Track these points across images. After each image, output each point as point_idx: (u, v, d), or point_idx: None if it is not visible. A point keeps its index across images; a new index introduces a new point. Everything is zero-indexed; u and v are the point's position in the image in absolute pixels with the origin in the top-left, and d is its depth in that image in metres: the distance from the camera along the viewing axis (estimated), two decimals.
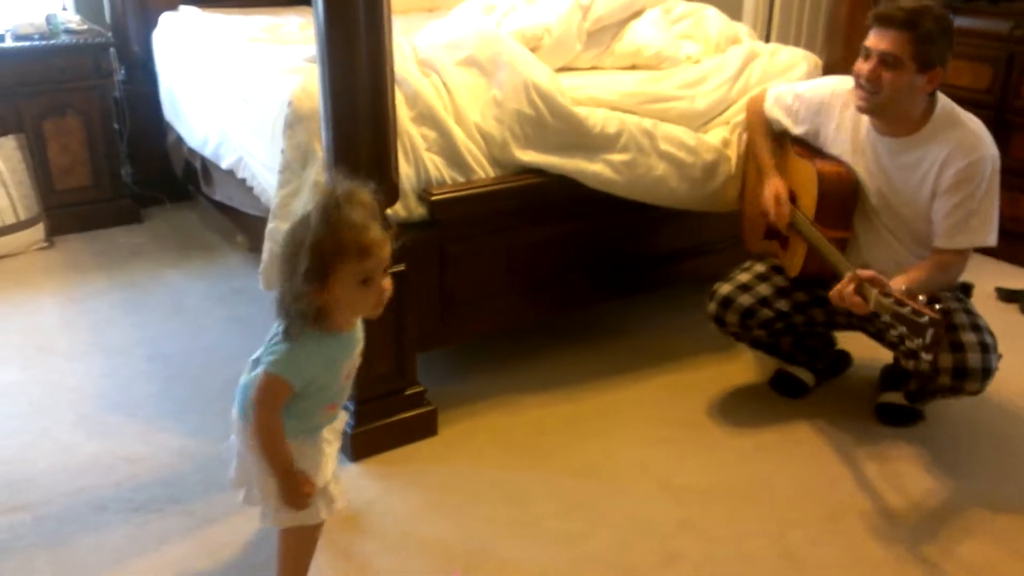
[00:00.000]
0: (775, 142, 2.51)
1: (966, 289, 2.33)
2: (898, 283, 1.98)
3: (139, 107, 3.80)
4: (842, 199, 2.30)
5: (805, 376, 2.55)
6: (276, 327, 1.55)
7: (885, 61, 2.09)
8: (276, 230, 2.29)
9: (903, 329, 1.80)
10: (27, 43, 3.36)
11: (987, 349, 2.13)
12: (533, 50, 2.62)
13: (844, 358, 2.68)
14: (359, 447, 2.21)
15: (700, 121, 2.64)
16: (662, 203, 2.56)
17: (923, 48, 2.06)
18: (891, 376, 2.51)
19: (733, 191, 2.66)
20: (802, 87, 2.46)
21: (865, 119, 2.24)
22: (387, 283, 1.53)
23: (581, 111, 2.41)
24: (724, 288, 2.41)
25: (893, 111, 2.15)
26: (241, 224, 3.35)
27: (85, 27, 3.59)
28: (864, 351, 2.64)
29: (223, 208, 3.42)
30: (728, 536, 1.99)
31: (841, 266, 2.11)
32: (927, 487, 2.17)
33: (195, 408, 2.43)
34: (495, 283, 2.46)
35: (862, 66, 2.14)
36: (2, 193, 3.37)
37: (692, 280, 2.82)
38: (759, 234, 2.56)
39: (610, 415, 2.45)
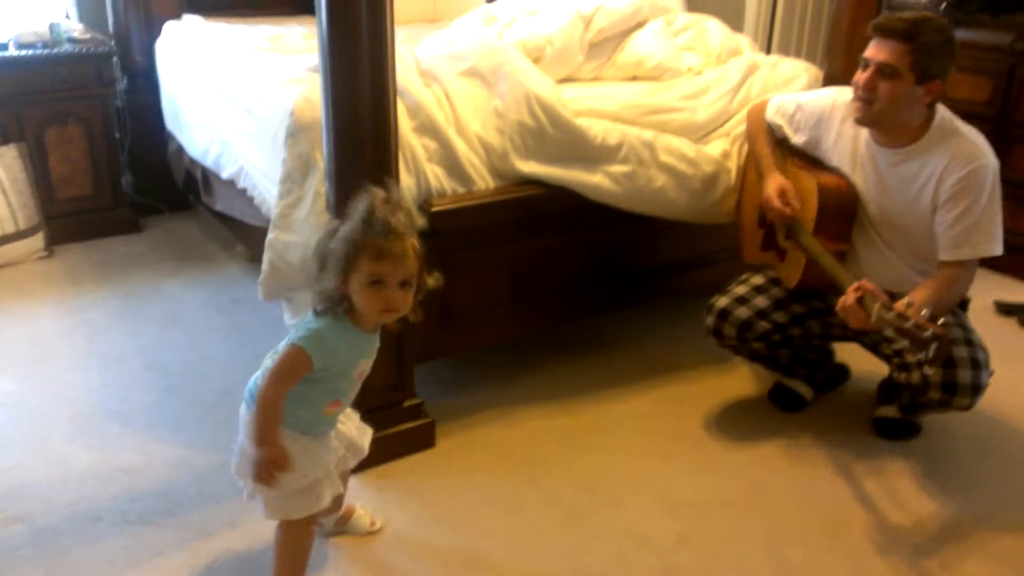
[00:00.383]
0: (776, 148, 2.51)
1: (962, 303, 2.33)
2: (904, 300, 1.97)
3: (141, 116, 3.81)
4: (842, 212, 2.30)
5: (803, 390, 2.54)
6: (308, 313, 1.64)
7: (882, 71, 2.09)
8: (276, 240, 2.29)
9: (905, 343, 1.79)
10: (30, 51, 3.37)
11: (978, 365, 2.12)
12: (535, 61, 2.63)
13: (842, 371, 2.68)
14: None
15: (701, 133, 2.64)
16: (662, 215, 2.56)
17: (922, 59, 2.06)
18: (888, 390, 2.50)
19: (733, 203, 2.65)
20: (804, 97, 2.46)
21: (864, 130, 2.24)
22: (399, 295, 1.59)
23: (582, 122, 2.41)
24: (721, 301, 2.41)
25: (890, 122, 2.15)
26: (241, 234, 3.35)
27: (88, 36, 3.60)
28: (863, 364, 2.63)
29: (223, 218, 3.41)
30: (726, 551, 1.98)
31: (842, 278, 2.10)
32: (925, 501, 2.16)
33: (193, 418, 2.42)
34: (495, 294, 2.46)
35: (860, 76, 2.14)
36: (2, 202, 3.37)
37: (691, 292, 2.82)
38: (756, 245, 2.56)
39: (608, 428, 2.44)
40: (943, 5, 3.52)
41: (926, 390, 2.15)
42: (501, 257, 2.43)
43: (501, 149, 2.36)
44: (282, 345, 1.63)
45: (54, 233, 3.55)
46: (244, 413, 1.69)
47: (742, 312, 2.37)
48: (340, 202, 2.04)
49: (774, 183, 2.40)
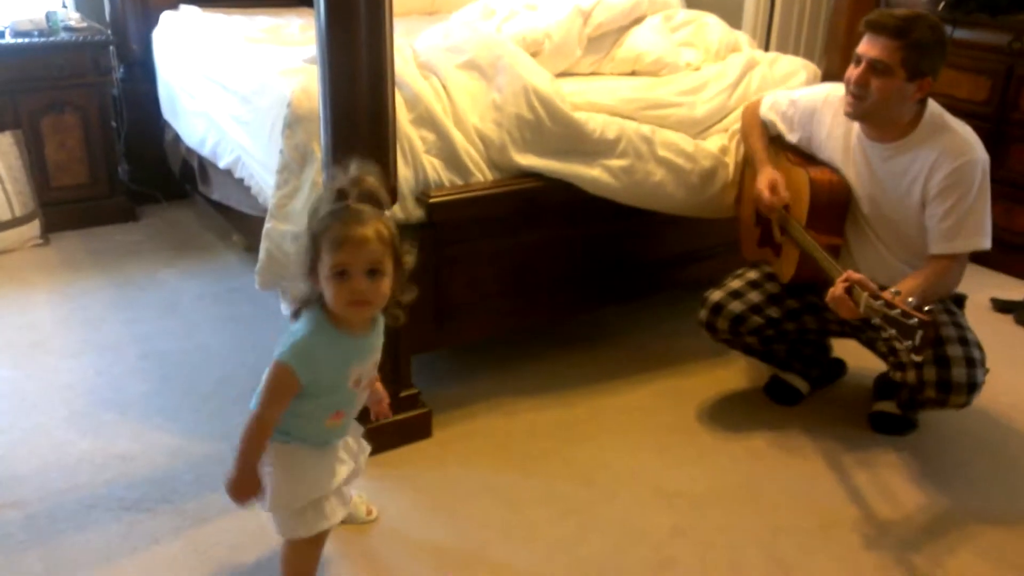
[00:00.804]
0: (770, 143, 2.52)
1: (959, 301, 2.34)
2: (889, 294, 1.98)
3: (137, 105, 3.80)
4: (834, 206, 2.31)
5: (799, 383, 2.55)
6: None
7: (874, 68, 2.10)
8: (273, 230, 2.29)
9: (892, 331, 1.80)
10: (26, 40, 3.36)
11: (973, 364, 2.13)
12: (533, 55, 2.63)
13: (839, 366, 2.69)
14: None
15: (699, 128, 2.64)
16: (659, 209, 2.57)
17: (914, 56, 2.07)
18: (885, 385, 2.51)
19: (730, 197, 2.66)
20: (797, 94, 2.48)
21: (856, 125, 2.25)
22: (368, 285, 1.47)
23: (580, 116, 2.41)
24: (715, 295, 2.41)
25: (881, 117, 2.16)
26: (238, 224, 3.34)
27: (85, 25, 3.59)
28: (859, 360, 2.64)
29: (220, 207, 3.41)
30: (721, 543, 1.99)
31: (833, 271, 2.11)
32: (919, 497, 2.17)
33: (188, 407, 2.42)
34: (492, 286, 2.46)
35: (852, 71, 2.15)
36: None
37: (687, 286, 2.83)
38: (754, 241, 2.57)
39: (604, 420, 2.45)
40: (941, 5, 3.53)
41: (922, 389, 2.16)
42: (498, 249, 2.44)
43: (499, 142, 2.37)
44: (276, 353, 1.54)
45: (50, 221, 3.54)
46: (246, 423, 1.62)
47: (735, 306, 2.38)
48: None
49: (765, 176, 2.41)
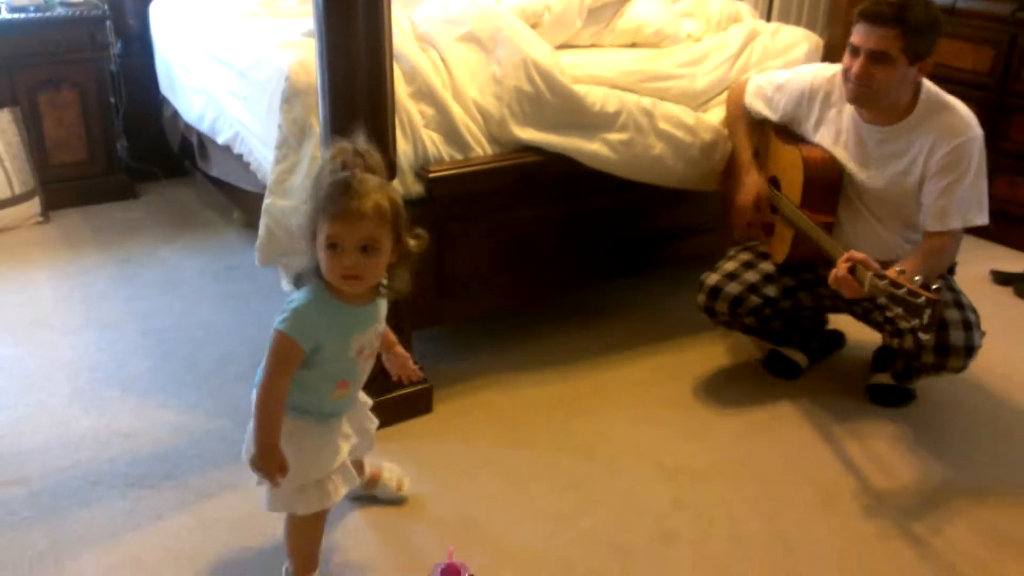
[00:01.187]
0: (756, 131, 2.51)
1: (949, 268, 2.34)
2: (894, 268, 1.98)
3: (135, 81, 3.78)
4: (828, 184, 2.30)
5: (798, 357, 2.56)
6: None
7: (875, 58, 2.07)
8: (273, 206, 2.28)
9: (899, 311, 1.80)
10: (22, 15, 3.33)
11: (970, 326, 2.15)
12: (533, 26, 2.60)
13: (837, 338, 2.69)
14: None
15: (700, 100, 2.62)
16: (660, 183, 2.56)
17: (913, 41, 2.05)
18: (883, 357, 2.52)
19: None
20: (782, 77, 2.45)
21: (849, 107, 2.24)
22: (360, 260, 1.46)
23: (580, 89, 2.39)
24: (712, 278, 2.41)
25: (883, 101, 2.15)
26: (238, 200, 3.33)
27: (81, 0, 3.56)
28: (857, 332, 2.65)
29: (219, 184, 3.40)
30: (721, 515, 2.00)
31: (832, 249, 2.10)
32: (917, 468, 2.18)
33: (190, 384, 2.43)
34: (492, 261, 2.46)
35: (850, 63, 2.12)
36: None
37: (688, 260, 2.82)
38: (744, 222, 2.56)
39: (604, 395, 2.45)
40: None
41: (919, 354, 2.17)
42: (498, 224, 2.43)
43: (499, 115, 2.35)
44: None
45: (50, 198, 3.53)
46: (255, 398, 1.60)
47: (733, 288, 2.37)
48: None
49: (750, 188, 2.43)
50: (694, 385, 2.51)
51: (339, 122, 1.97)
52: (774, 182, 2.44)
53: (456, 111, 2.31)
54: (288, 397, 1.55)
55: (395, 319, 2.18)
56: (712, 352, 2.66)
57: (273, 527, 1.90)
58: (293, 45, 2.46)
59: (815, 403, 2.43)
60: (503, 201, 2.39)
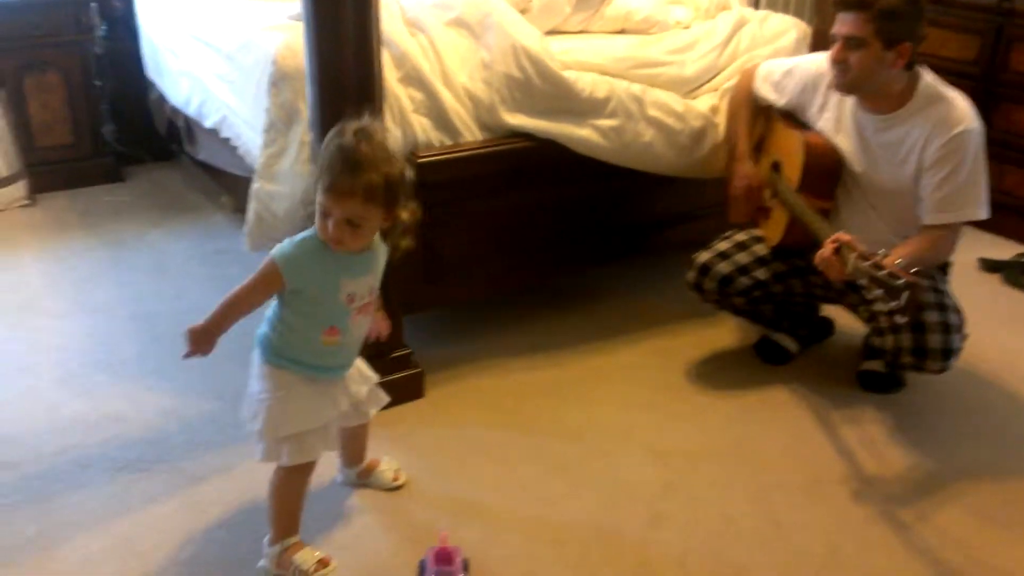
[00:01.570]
0: (762, 117, 2.51)
1: (943, 266, 2.35)
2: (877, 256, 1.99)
3: (121, 64, 3.74)
4: (828, 170, 2.31)
5: (788, 343, 2.58)
6: None
7: (848, 44, 2.10)
8: (261, 190, 2.27)
9: (879, 292, 1.81)
10: None
11: (949, 330, 2.15)
12: (522, 12, 2.60)
13: (827, 325, 2.71)
14: None
15: (689, 87, 2.63)
16: (650, 169, 2.56)
17: (885, 25, 2.05)
18: (874, 345, 2.53)
19: (720, 158, 2.65)
20: (791, 63, 2.46)
21: (850, 97, 2.24)
22: (345, 231, 1.55)
23: (570, 75, 2.39)
24: (703, 256, 2.42)
25: (870, 88, 2.16)
26: (225, 184, 3.32)
27: None
28: (847, 319, 2.66)
29: (207, 168, 3.39)
30: (712, 498, 2.02)
31: (822, 232, 2.12)
32: (906, 453, 2.20)
33: (180, 367, 2.40)
34: (481, 247, 2.46)
35: (830, 50, 2.14)
36: None
37: (678, 246, 2.83)
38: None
39: (595, 379, 2.47)
40: None
41: (899, 354, 2.18)
42: (488, 210, 2.43)
43: (488, 101, 2.35)
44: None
45: (36, 181, 3.50)
46: (255, 358, 1.69)
47: (723, 267, 2.39)
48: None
49: (743, 173, 2.44)
50: (685, 370, 2.52)
51: (327, 106, 1.96)
52: (776, 166, 2.45)
53: (445, 96, 2.30)
54: (284, 346, 1.64)
55: (384, 302, 2.20)
56: (702, 338, 2.68)
57: (263, 511, 1.90)
58: (280, 28, 2.45)
59: (806, 388, 2.45)
60: (493, 187, 2.39)
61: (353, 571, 1.77)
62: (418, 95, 2.28)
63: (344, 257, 1.61)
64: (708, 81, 2.67)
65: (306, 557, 1.72)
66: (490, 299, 2.74)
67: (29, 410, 2.25)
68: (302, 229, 1.64)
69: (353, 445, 1.96)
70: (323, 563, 1.73)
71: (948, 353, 2.15)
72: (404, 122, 2.23)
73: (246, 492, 1.96)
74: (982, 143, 2.15)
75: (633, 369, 2.52)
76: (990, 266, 3.19)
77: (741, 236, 2.47)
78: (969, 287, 2.29)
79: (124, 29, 3.69)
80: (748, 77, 2.55)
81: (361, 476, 2.01)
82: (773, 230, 2.40)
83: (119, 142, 3.83)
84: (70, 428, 2.18)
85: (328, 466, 1.94)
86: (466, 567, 1.72)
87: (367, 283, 1.67)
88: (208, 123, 2.95)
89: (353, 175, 1.52)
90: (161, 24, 3.37)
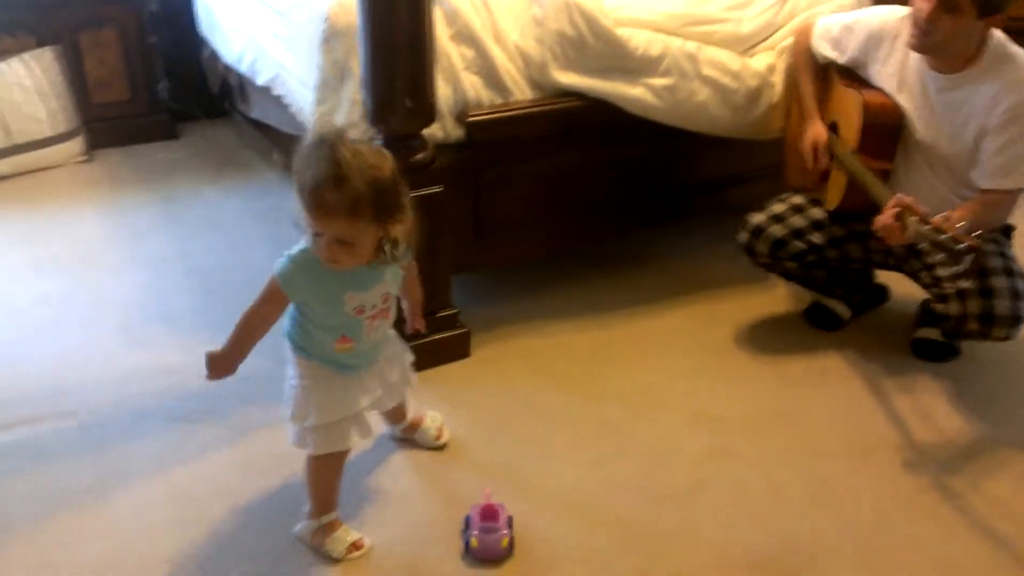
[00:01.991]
0: (820, 75, 2.44)
1: (1007, 231, 2.28)
2: (942, 215, 1.94)
3: (175, 21, 3.76)
4: (886, 130, 2.24)
5: (841, 309, 2.53)
6: None
7: (944, 5, 1.99)
8: None
9: (940, 257, 1.77)
10: None
11: (1018, 296, 2.09)
12: None
13: (881, 292, 2.66)
14: None
15: (745, 45, 2.56)
16: (703, 130, 2.51)
17: None
18: (929, 312, 2.47)
19: (776, 119, 2.59)
20: (850, 18, 2.37)
21: (915, 53, 2.16)
22: (338, 251, 1.45)
23: (623, 32, 2.35)
24: (756, 218, 2.38)
25: (945, 52, 2.08)
26: (277, 142, 3.34)
27: None
28: (902, 286, 2.61)
29: (259, 125, 3.41)
30: (757, 465, 2.01)
31: (881, 196, 2.06)
32: (959, 422, 2.16)
33: (233, 322, 2.44)
34: (530, 207, 2.45)
35: (921, 6, 2.05)
36: (40, 105, 3.38)
37: (729, 209, 2.78)
38: (800, 166, 2.51)
39: (641, 342, 2.45)
40: None
41: (964, 321, 2.13)
42: (537, 170, 2.41)
43: (540, 59, 2.32)
44: None
45: (92, 138, 3.57)
46: (286, 344, 1.69)
47: (776, 230, 2.34)
48: (376, 110, 2.03)
49: (811, 133, 2.37)
50: (732, 335, 2.49)
51: (379, 64, 1.96)
52: (833, 127, 2.38)
53: (497, 54, 2.28)
54: (305, 345, 1.64)
55: (431, 264, 2.21)
56: (751, 302, 2.64)
57: None
58: None
59: (857, 355, 2.41)
60: (543, 147, 2.37)
61: (399, 527, 1.81)
62: (469, 52, 2.26)
63: (340, 273, 1.53)
64: (765, 39, 2.59)
65: (340, 540, 1.72)
66: (537, 260, 2.73)
67: (89, 361, 2.31)
68: None
69: (393, 411, 1.97)
70: (356, 546, 1.72)
71: (1016, 320, 2.10)
72: (455, 80, 2.22)
73: (293, 447, 2.00)
74: None
75: (680, 333, 2.50)
76: None
77: (797, 199, 2.41)
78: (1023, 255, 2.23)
79: None
80: (805, 35, 2.47)
81: (406, 432, 2.03)
82: (832, 193, 2.34)
83: (173, 99, 3.87)
84: (128, 379, 2.24)
85: (376, 420, 1.96)
86: (510, 523, 1.74)
87: (378, 292, 1.60)
88: (260, 80, 2.96)
89: (336, 188, 1.39)
90: None
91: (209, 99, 3.88)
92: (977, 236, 1.74)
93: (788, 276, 2.48)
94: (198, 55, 3.80)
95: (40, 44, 3.41)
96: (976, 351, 2.42)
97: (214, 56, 3.58)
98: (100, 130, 3.59)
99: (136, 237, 2.96)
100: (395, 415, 1.99)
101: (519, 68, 2.32)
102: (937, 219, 1.82)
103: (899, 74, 2.22)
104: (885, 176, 2.24)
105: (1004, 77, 2.05)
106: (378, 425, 2.02)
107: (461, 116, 2.21)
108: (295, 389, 1.66)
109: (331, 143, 1.42)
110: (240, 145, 3.74)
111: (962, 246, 1.73)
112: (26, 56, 3.36)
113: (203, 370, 1.61)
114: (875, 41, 2.27)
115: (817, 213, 2.37)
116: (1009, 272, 2.13)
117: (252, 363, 2.27)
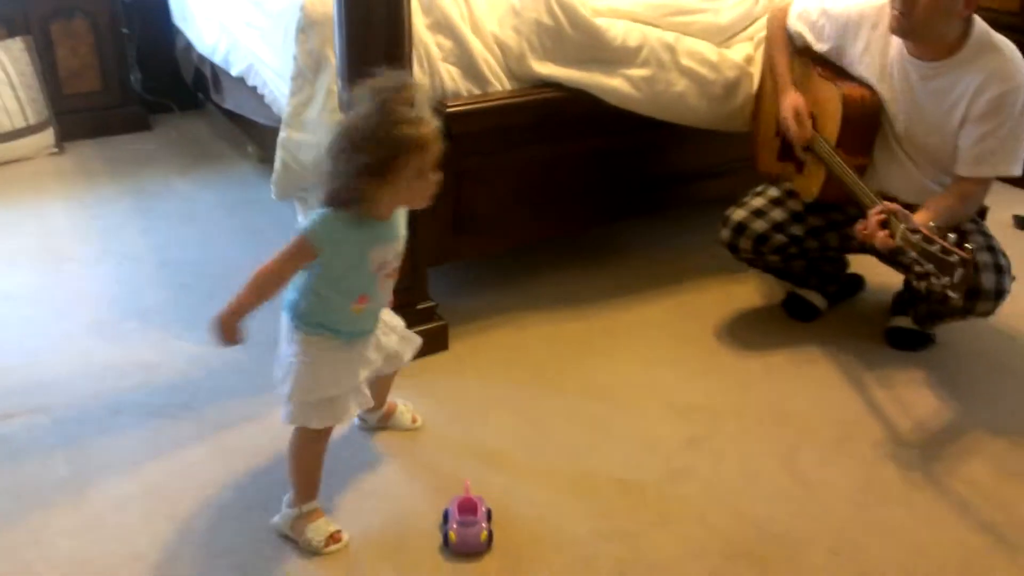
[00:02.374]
0: (796, 59, 2.44)
1: (980, 212, 2.31)
2: (923, 218, 1.94)
3: (148, 11, 3.73)
4: (865, 124, 2.25)
5: (816, 300, 2.54)
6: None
7: None
8: (288, 139, 2.26)
9: (929, 267, 1.77)
10: None
11: (1001, 270, 2.12)
12: None
13: (856, 281, 2.67)
14: None
15: (723, 36, 2.56)
16: (681, 121, 2.51)
17: None
18: (902, 300, 2.50)
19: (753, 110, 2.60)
20: (829, 2, 2.37)
21: (897, 40, 2.17)
22: (438, 176, 1.57)
23: (602, 22, 2.34)
24: (738, 214, 2.38)
25: (927, 34, 2.08)
26: (252, 133, 3.31)
27: None
28: (876, 276, 2.63)
29: (233, 116, 3.37)
30: (736, 454, 2.01)
31: (863, 196, 2.07)
32: (934, 410, 2.18)
33: (207, 315, 2.40)
34: (509, 198, 2.44)
35: None
36: (11, 96, 3.33)
37: (708, 200, 2.79)
38: (773, 154, 2.52)
39: (620, 334, 2.46)
40: None
41: (947, 297, 2.13)
42: (516, 161, 2.40)
43: (518, 50, 2.31)
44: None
45: (64, 129, 3.52)
46: (284, 320, 1.67)
47: (758, 225, 2.35)
48: (352, 101, 2.01)
49: (788, 101, 2.35)
50: (711, 325, 2.50)
51: (355, 54, 1.94)
52: (811, 118, 2.39)
53: (475, 44, 2.26)
54: (314, 314, 1.62)
55: (410, 256, 2.19)
56: (728, 294, 2.65)
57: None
58: None
59: (834, 345, 2.42)
60: (521, 138, 2.36)
61: (378, 519, 1.80)
62: (447, 43, 2.25)
63: (376, 226, 1.59)
64: (743, 30, 2.60)
65: (319, 530, 1.71)
66: (515, 251, 2.72)
67: (62, 355, 2.28)
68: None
69: (379, 391, 1.96)
70: (335, 539, 1.71)
71: (1000, 294, 2.12)
72: (432, 70, 2.20)
73: (272, 440, 1.98)
74: None
75: (658, 324, 2.51)
76: None
77: (774, 192, 2.42)
78: (1003, 244, 2.24)
79: None
80: (781, 14, 2.46)
81: (381, 421, 2.03)
82: (808, 184, 2.35)
83: (146, 90, 3.83)
84: (102, 374, 2.21)
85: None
86: (489, 516, 1.74)
87: (395, 248, 1.66)
88: (235, 71, 2.93)
89: (431, 123, 1.52)
90: None
91: (183, 90, 3.84)
92: (968, 248, 1.74)
93: (769, 269, 2.49)
94: (171, 45, 3.75)
95: (11, 34, 3.35)
96: (951, 338, 2.44)
97: (188, 47, 3.55)
98: (72, 122, 3.54)
99: (108, 230, 2.92)
100: (376, 400, 1.98)
101: (497, 59, 2.31)
102: (925, 227, 1.81)
103: (880, 63, 2.22)
104: (861, 171, 2.24)
105: (988, 66, 2.06)
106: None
107: (439, 107, 2.20)
108: (295, 366, 1.64)
109: (387, 98, 1.51)
110: (214, 137, 3.70)
111: (954, 258, 1.72)
112: None
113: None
114: (854, 28, 2.27)
115: (795, 204, 2.38)
116: (991, 248, 2.15)
117: (227, 357, 2.27)
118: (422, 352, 2.28)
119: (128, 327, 2.41)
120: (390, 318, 1.86)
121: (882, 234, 1.92)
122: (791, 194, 2.40)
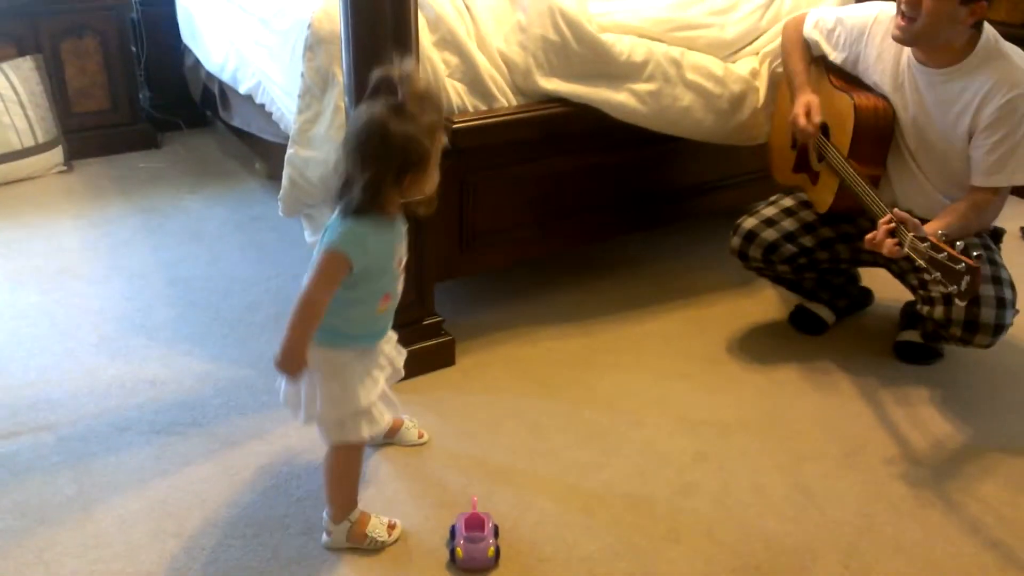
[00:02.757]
0: (811, 67, 2.44)
1: (996, 235, 2.29)
2: (933, 227, 1.94)
3: (157, 29, 3.75)
4: (878, 135, 2.24)
5: (825, 313, 2.53)
6: (333, 216, 1.58)
7: None
8: (296, 156, 2.27)
9: (937, 275, 1.76)
10: None
11: (1003, 304, 2.09)
12: None
13: (866, 295, 2.66)
14: None
15: (729, 50, 2.57)
16: (687, 135, 2.52)
17: None
18: (911, 314, 2.48)
19: (759, 124, 2.60)
20: (844, 12, 2.37)
21: (907, 48, 2.17)
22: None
23: (608, 38, 2.35)
24: (748, 222, 2.38)
25: (931, 41, 2.07)
26: (260, 150, 3.32)
27: None
28: (885, 290, 2.61)
29: (241, 134, 3.39)
30: (744, 468, 2.00)
31: (874, 207, 2.06)
32: (944, 426, 2.16)
33: (215, 333, 2.45)
34: (515, 214, 2.44)
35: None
36: (20, 114, 3.35)
37: (713, 214, 2.79)
38: (788, 166, 2.51)
39: (627, 348, 2.45)
40: None
41: (948, 326, 2.12)
42: (522, 176, 2.41)
43: (524, 66, 2.31)
44: (316, 254, 1.56)
45: (72, 147, 3.54)
46: (295, 308, 1.63)
47: (769, 234, 2.34)
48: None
49: (803, 99, 2.34)
50: (718, 340, 2.49)
51: (363, 71, 1.94)
52: (824, 130, 2.38)
53: (480, 61, 2.27)
54: (340, 325, 1.60)
55: (417, 272, 2.19)
56: (736, 308, 2.64)
57: (296, 475, 1.93)
58: None
59: (841, 359, 2.41)
60: (528, 153, 2.36)
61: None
62: (453, 59, 2.26)
63: (392, 224, 1.61)
64: (749, 44, 2.61)
65: (376, 528, 1.75)
66: (521, 266, 2.72)
67: (68, 373, 2.28)
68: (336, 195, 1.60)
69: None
70: (392, 526, 1.77)
71: (999, 328, 2.09)
72: (439, 87, 2.21)
73: (279, 456, 1.98)
74: None
75: (665, 338, 2.50)
76: None
77: (788, 201, 2.41)
78: (1010, 257, 2.23)
79: None
80: (796, 22, 2.46)
81: (387, 436, 2.03)
82: (822, 195, 2.34)
83: (154, 108, 3.85)
84: (108, 391, 2.21)
85: None
86: (496, 532, 1.73)
87: (405, 240, 1.68)
88: (243, 89, 2.95)
89: (441, 107, 1.58)
90: None
91: (191, 108, 3.87)
92: (976, 256, 1.74)
93: (778, 280, 2.48)
94: (180, 64, 3.78)
95: (21, 53, 3.38)
96: (959, 354, 2.42)
97: (196, 65, 3.57)
98: (80, 140, 3.57)
99: (116, 248, 2.93)
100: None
101: (503, 75, 2.32)
102: (934, 236, 1.81)
103: (893, 71, 2.22)
104: (875, 181, 2.24)
105: (996, 74, 2.05)
106: None
107: (445, 123, 2.20)
108: (321, 387, 1.63)
109: (414, 87, 1.51)
110: (222, 154, 3.72)
111: (961, 266, 1.72)
112: (5, 65, 3.33)
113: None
114: (869, 36, 2.27)
115: (807, 215, 2.37)
116: (996, 280, 2.12)
117: (234, 375, 2.27)
118: (429, 367, 2.30)
119: (135, 344, 2.41)
120: None
121: (890, 242, 1.91)
122: (805, 204, 2.40)
